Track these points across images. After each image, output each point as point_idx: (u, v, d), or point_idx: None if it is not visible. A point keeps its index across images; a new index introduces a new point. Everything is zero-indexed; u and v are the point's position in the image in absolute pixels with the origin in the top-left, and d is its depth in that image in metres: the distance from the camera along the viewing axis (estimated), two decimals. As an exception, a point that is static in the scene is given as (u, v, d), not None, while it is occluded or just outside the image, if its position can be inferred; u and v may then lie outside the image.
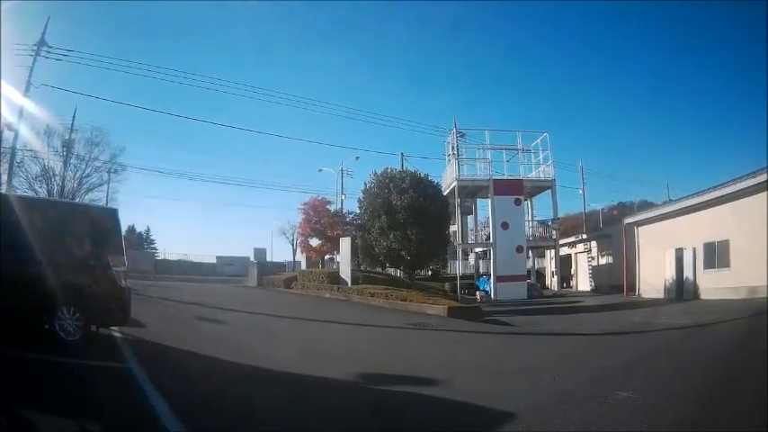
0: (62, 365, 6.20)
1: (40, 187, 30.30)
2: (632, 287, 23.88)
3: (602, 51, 70.85)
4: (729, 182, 18.55)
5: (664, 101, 72.69)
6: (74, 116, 30.91)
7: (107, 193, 35.43)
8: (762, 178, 16.49)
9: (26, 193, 25.95)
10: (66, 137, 31.18)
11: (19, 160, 26.62)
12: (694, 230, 20.25)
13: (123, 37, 57.90)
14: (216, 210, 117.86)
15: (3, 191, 18.77)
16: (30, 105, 23.55)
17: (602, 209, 54.12)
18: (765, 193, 16.21)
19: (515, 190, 24.78)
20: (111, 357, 6.98)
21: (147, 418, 4.30)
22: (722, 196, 18.60)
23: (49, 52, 24.08)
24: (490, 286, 23.91)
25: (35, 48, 23.47)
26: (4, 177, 24.11)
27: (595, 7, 62.95)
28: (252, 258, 44.19)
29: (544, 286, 29.47)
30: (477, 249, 30.76)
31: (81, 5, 42.27)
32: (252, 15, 65.92)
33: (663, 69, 70.92)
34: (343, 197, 37.43)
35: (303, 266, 36.39)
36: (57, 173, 31.26)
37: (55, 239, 7.43)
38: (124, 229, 10.23)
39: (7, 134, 23.19)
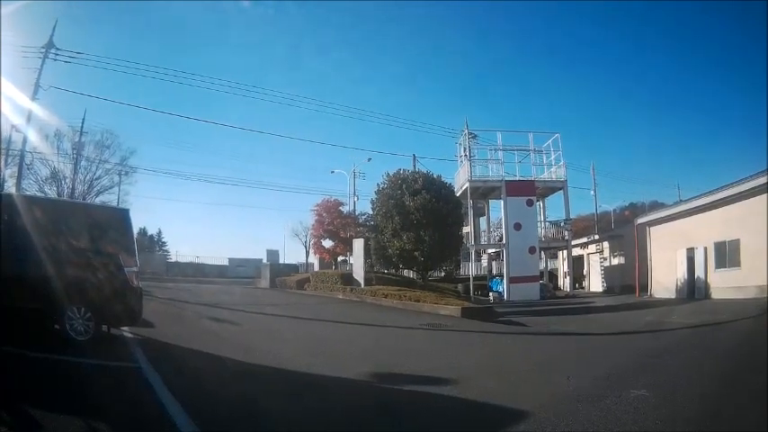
0: (73, 365, 6.23)
1: (49, 189, 30.26)
2: (644, 287, 23.71)
3: (609, 53, 70.64)
4: (739, 181, 18.44)
5: (669, 102, 72.71)
6: (83, 118, 31.10)
7: (118, 195, 35.55)
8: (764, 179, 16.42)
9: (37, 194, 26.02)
10: (76, 139, 31.33)
11: (28, 162, 26.66)
12: (705, 230, 20.09)
13: (125, 39, 58.15)
14: (228, 212, 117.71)
15: (12, 192, 18.85)
16: (38, 108, 23.72)
17: (614, 210, 54.13)
18: (765, 195, 16.16)
19: (527, 191, 24.64)
20: (121, 357, 6.99)
21: (159, 416, 4.30)
22: (732, 195, 18.49)
23: (57, 54, 24.04)
24: (503, 287, 23.78)
25: (43, 50, 23.46)
26: (14, 179, 24.32)
27: (601, 8, 62.51)
28: (264, 260, 44.33)
29: (557, 287, 29.23)
30: (490, 250, 30.58)
31: (86, 6, 42.61)
32: (252, 16, 66.21)
33: (667, 71, 70.64)
34: (356, 199, 37.46)
35: (316, 268, 36.50)
36: (66, 175, 31.29)
37: (66, 239, 7.47)
38: (135, 231, 10.26)
39: (16, 136, 23.41)
